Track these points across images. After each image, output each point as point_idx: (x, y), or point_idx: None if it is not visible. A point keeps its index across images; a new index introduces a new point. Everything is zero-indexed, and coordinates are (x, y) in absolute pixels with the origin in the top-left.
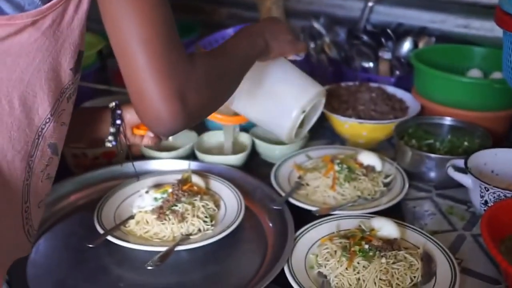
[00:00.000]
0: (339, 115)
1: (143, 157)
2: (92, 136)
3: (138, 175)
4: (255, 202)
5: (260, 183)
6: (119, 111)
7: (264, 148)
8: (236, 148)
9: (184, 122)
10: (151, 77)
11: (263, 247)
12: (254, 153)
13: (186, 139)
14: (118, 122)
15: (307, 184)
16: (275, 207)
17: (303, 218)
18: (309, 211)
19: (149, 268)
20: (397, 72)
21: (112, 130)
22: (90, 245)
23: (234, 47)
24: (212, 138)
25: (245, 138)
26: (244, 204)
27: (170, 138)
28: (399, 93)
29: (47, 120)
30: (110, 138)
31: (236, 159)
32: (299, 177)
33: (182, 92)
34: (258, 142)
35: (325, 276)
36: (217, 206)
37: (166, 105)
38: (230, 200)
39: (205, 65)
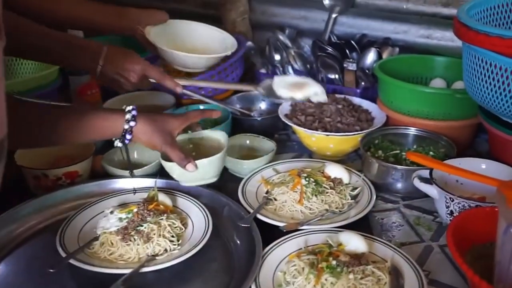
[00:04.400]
0: (306, 129)
1: (107, 175)
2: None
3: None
4: (222, 219)
5: (227, 200)
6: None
7: (232, 163)
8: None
9: None
10: None
11: (231, 266)
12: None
13: (152, 156)
14: (128, 137)
15: (275, 199)
16: (243, 225)
17: (272, 233)
18: (277, 226)
19: None
20: (363, 83)
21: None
22: (51, 270)
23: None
24: None
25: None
26: (211, 222)
27: (135, 154)
28: (365, 103)
29: None
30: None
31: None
32: (267, 192)
33: None
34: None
35: None
36: (184, 224)
37: None
38: (198, 218)
39: None
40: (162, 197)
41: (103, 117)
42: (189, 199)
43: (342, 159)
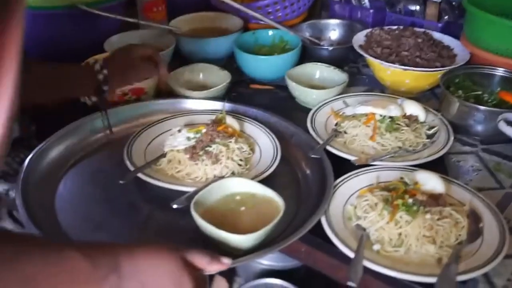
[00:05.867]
0: (382, 61)
1: (171, 95)
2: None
3: (110, 129)
4: (290, 147)
5: (296, 129)
6: (104, 72)
7: (301, 92)
8: None
9: None
10: None
11: (298, 195)
12: (289, 97)
13: (220, 77)
14: (105, 88)
15: (345, 132)
16: (313, 156)
17: (339, 166)
18: (346, 160)
19: (175, 207)
20: (446, 17)
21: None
22: (121, 181)
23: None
24: None
25: None
26: (280, 149)
27: (201, 75)
28: (447, 39)
29: None
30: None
31: None
32: (336, 124)
33: None
34: (294, 85)
35: (364, 229)
36: (252, 150)
37: None
38: (265, 145)
39: None
40: (230, 120)
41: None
42: (256, 125)
43: (415, 97)
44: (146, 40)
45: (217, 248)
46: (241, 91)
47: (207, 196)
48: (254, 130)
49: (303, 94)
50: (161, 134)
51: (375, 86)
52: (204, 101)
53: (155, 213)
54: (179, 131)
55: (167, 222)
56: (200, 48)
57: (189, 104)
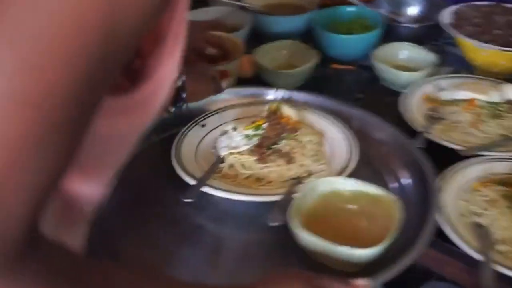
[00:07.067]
0: (476, 41)
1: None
2: None
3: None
4: (369, 140)
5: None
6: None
7: (390, 74)
8: None
9: None
10: None
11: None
12: (373, 78)
13: (303, 57)
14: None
15: (442, 118)
16: (417, 146)
17: (439, 155)
18: (446, 148)
19: (271, 224)
20: None
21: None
22: (186, 200)
23: None
24: None
25: None
26: (355, 138)
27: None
28: None
29: None
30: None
31: None
32: (431, 109)
33: None
34: (383, 67)
35: (484, 227)
36: (319, 142)
37: None
38: (332, 134)
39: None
40: (288, 110)
41: None
42: (316, 112)
43: (507, 78)
44: (216, 18)
45: (321, 264)
46: (323, 72)
47: (302, 203)
48: (313, 117)
49: (392, 76)
50: (208, 133)
51: (461, 66)
52: (249, 89)
53: (228, 233)
54: (234, 129)
55: (255, 244)
56: (276, 25)
57: (227, 96)
